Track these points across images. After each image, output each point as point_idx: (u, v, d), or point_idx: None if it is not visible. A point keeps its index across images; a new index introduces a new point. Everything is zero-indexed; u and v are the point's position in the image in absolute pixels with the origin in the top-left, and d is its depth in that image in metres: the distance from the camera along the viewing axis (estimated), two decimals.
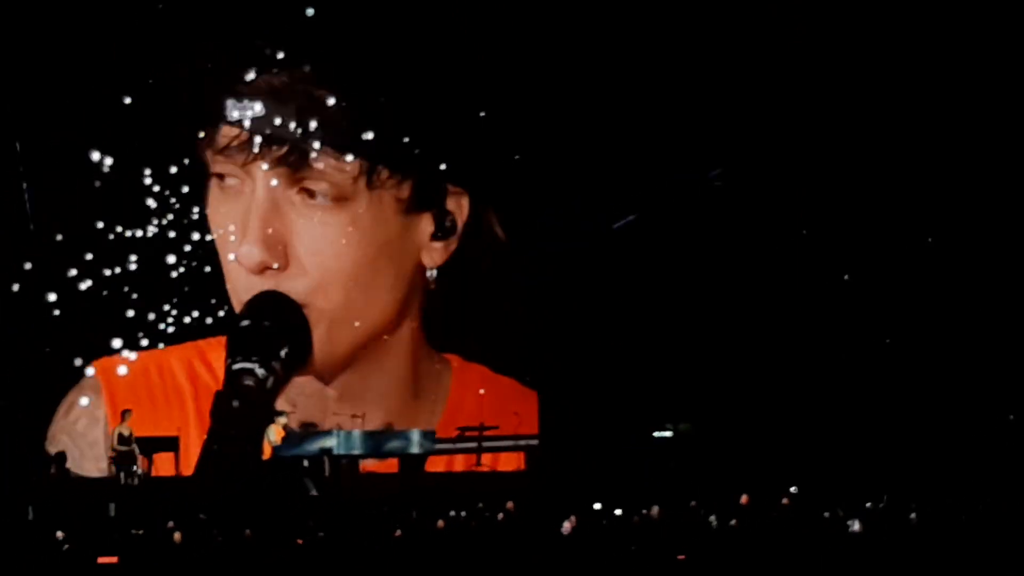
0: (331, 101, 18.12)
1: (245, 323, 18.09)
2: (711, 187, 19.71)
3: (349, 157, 18.16)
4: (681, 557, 9.21)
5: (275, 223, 17.97)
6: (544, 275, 20.11)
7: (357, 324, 18.68)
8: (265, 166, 17.83)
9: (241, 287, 18.13)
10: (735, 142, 19.09)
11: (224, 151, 17.86)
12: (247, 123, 17.71)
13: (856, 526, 11.03)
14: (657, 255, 19.69)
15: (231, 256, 18.03)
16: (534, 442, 19.74)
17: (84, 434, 17.65)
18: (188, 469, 17.50)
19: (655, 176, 19.63)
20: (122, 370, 17.66)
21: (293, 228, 18.12)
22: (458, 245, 19.30)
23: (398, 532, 12.01)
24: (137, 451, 16.47)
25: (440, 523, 12.57)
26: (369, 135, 18.16)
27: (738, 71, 18.30)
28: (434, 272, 19.34)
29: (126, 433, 16.31)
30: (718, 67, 18.32)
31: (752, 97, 18.43)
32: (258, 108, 17.75)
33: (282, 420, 17.01)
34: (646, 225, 20.18)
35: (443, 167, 18.90)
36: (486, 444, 19.25)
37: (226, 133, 17.85)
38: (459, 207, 19.31)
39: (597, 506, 13.61)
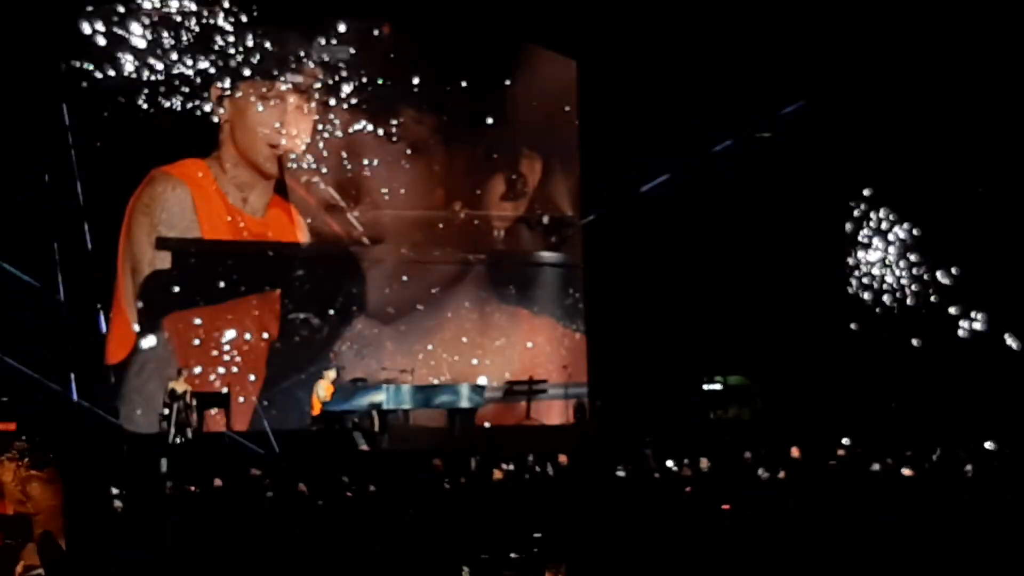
0: (415, 56, 19.45)
1: (299, 273, 19.04)
2: (759, 142, 19.51)
3: (428, 112, 19.66)
4: (726, 507, 9.14)
5: (351, 161, 19.28)
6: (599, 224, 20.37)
7: (420, 271, 19.74)
8: (345, 107, 19.19)
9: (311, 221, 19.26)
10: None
11: (307, 92, 18.95)
12: (334, 67, 18.94)
13: (907, 471, 10.98)
14: (712, 205, 19.52)
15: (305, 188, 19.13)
16: (583, 390, 19.92)
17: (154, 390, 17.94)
18: (243, 423, 17.73)
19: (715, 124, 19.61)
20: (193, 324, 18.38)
21: (368, 168, 19.43)
22: (528, 207, 20.44)
23: (447, 484, 12.06)
24: (192, 406, 16.57)
25: (498, 474, 12.62)
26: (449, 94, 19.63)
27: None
28: (502, 232, 20.40)
29: (180, 390, 16.41)
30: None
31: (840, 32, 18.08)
32: (345, 54, 18.97)
33: (331, 375, 17.06)
34: (702, 174, 20.05)
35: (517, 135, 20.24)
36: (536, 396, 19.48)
37: (311, 74, 18.94)
38: (532, 170, 20.39)
39: (647, 452, 13.60)
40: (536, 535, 7.26)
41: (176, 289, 18.32)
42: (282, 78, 18.75)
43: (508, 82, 20.27)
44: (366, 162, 19.46)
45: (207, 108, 18.39)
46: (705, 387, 20.26)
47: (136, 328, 17.95)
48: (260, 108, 18.77)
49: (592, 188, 20.76)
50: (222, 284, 18.57)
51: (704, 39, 18.75)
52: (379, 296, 19.57)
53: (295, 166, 19.06)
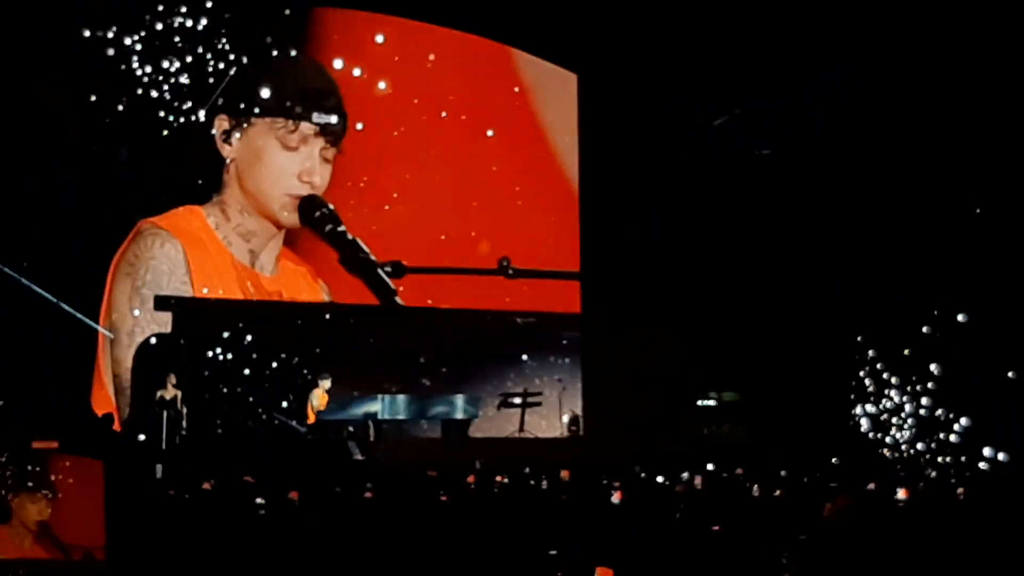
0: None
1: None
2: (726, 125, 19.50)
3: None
4: (716, 528, 9.16)
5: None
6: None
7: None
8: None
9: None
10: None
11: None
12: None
13: (900, 494, 11.01)
14: (708, 217, 19.53)
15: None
16: (578, 410, 19.77)
17: None
18: None
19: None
20: None
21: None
22: None
23: (444, 497, 12.05)
24: (183, 413, 16.48)
25: (471, 478, 12.66)
26: None
27: None
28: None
29: (168, 397, 16.33)
30: None
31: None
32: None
33: (326, 384, 17.00)
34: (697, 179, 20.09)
35: None
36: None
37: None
38: None
39: (642, 474, 13.59)
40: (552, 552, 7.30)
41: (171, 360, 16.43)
42: (308, 117, 17.48)
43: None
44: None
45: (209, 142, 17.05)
46: (700, 403, 20.27)
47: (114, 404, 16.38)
48: (280, 149, 17.31)
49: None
50: (230, 354, 16.86)
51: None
52: (413, 366, 18.26)
53: (317, 214, 17.55)
